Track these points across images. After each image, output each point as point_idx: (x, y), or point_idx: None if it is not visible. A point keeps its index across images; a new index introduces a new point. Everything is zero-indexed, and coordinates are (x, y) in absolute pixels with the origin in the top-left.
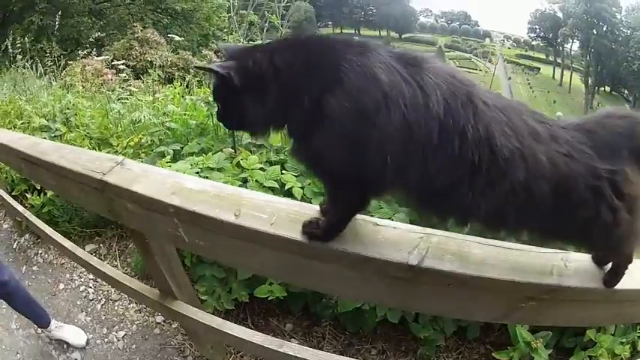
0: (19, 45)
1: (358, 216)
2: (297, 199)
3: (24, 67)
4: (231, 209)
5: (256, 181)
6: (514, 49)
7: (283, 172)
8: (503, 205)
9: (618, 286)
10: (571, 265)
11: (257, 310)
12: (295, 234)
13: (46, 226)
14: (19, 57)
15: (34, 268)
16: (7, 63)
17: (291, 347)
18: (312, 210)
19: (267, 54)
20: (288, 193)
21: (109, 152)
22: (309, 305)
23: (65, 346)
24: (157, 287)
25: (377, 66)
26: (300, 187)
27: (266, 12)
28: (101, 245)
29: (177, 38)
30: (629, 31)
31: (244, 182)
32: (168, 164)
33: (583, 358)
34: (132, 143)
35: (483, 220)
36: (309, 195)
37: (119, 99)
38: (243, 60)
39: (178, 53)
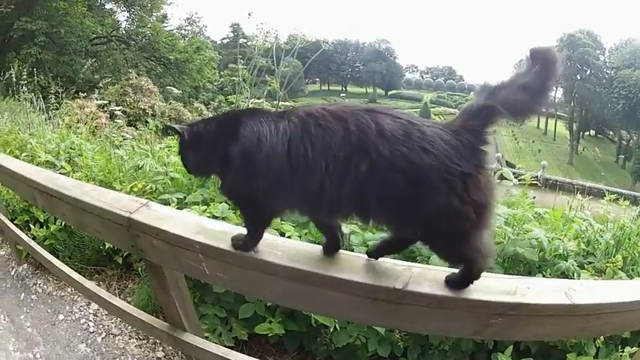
0: (24, 77)
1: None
2: None
3: (25, 100)
4: None
5: None
6: None
7: (282, 222)
8: (359, 192)
9: (579, 301)
10: (532, 287)
11: (254, 348)
12: (303, 266)
13: (53, 257)
14: (25, 89)
15: (33, 297)
16: (8, 91)
17: None
18: (315, 249)
19: (203, 123)
20: None
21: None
22: (304, 344)
23: None
24: (166, 320)
25: (259, 121)
26: (298, 236)
27: (267, 76)
28: (101, 283)
29: (175, 91)
30: (612, 72)
31: None
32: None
33: None
34: (135, 189)
35: (348, 207)
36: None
37: (121, 145)
38: (192, 126)
39: (170, 103)
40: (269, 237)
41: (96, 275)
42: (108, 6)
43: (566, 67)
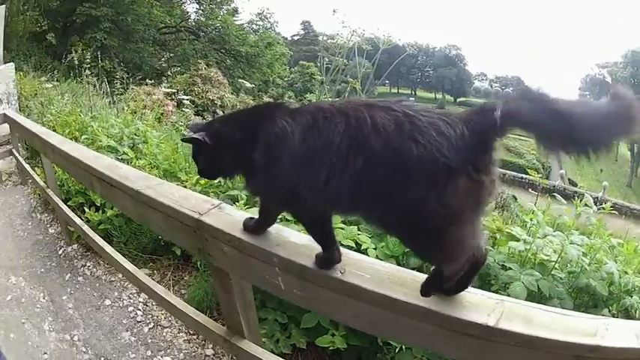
0: (87, 60)
1: None
2: None
3: (88, 84)
4: (337, 267)
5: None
6: None
7: (359, 232)
8: (356, 186)
9: None
10: (611, 328)
11: (310, 357)
12: (392, 292)
13: (106, 243)
14: (88, 72)
15: (79, 278)
16: (70, 73)
17: None
18: (406, 273)
19: (221, 124)
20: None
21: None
22: (362, 357)
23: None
24: (225, 323)
25: (277, 122)
26: (374, 249)
27: (348, 78)
28: (155, 272)
29: (247, 85)
30: None
31: None
32: (245, 208)
33: None
34: (202, 182)
35: (349, 202)
36: (382, 257)
37: None
38: (209, 129)
39: (239, 96)
40: (357, 257)
41: (150, 264)
42: None
43: (630, 84)
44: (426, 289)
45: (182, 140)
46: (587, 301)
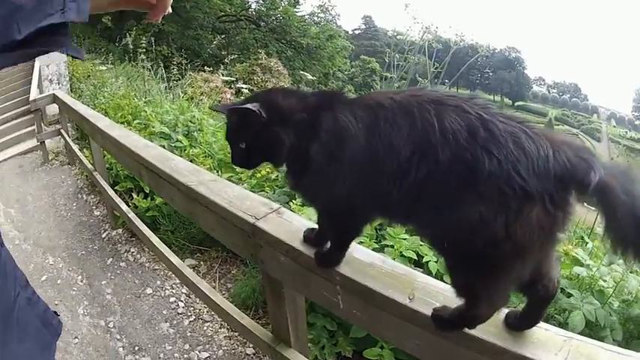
0: (143, 45)
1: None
2: (432, 274)
3: (143, 68)
4: (405, 291)
5: (399, 251)
6: (618, 127)
7: (421, 244)
8: (416, 196)
9: None
10: None
11: None
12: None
13: (152, 233)
14: (143, 57)
15: (122, 264)
16: (125, 57)
17: None
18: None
19: (281, 97)
20: (417, 264)
21: (230, 177)
22: None
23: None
24: (271, 330)
25: (339, 114)
26: (435, 261)
27: (417, 76)
28: (202, 263)
29: (309, 77)
30: None
31: (382, 248)
32: (301, 208)
33: None
34: (258, 175)
35: (404, 210)
36: (443, 271)
37: None
38: (263, 99)
39: (299, 87)
40: (427, 281)
41: (197, 254)
42: None
43: None
44: (447, 325)
45: (227, 111)
46: (632, 329)
